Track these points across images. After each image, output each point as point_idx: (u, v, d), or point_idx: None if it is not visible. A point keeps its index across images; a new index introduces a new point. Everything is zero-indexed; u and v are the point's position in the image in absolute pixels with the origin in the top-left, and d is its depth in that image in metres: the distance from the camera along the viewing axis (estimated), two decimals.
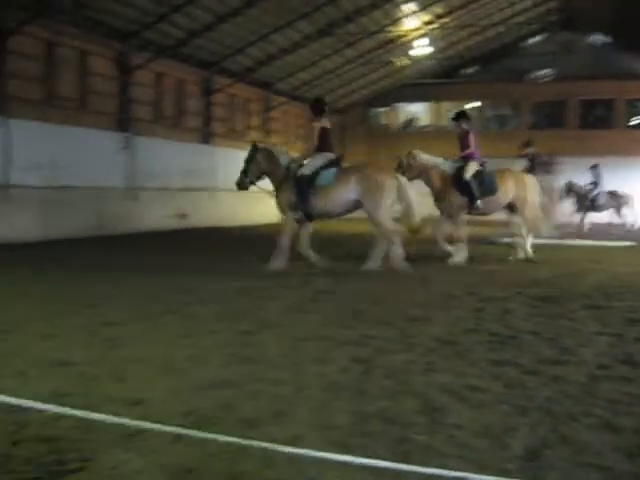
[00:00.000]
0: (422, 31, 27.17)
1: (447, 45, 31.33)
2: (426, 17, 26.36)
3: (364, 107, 36.48)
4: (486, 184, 12.14)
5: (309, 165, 10.59)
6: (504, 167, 13.03)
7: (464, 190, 12.10)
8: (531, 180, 12.92)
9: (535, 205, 12.72)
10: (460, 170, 12.14)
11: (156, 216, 19.87)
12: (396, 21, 25.70)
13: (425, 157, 12.46)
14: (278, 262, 10.67)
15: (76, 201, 17.21)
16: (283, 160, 10.89)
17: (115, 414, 3.92)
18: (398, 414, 4.04)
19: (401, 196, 10.54)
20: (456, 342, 5.97)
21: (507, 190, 12.36)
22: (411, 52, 29.14)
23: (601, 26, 32.68)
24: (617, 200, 22.34)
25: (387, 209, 10.48)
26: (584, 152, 30.88)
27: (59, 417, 3.91)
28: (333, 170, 10.52)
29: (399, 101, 36.40)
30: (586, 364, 5.26)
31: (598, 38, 33.96)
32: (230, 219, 23.25)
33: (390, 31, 26.31)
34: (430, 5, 25.43)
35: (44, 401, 4.12)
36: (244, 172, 11.27)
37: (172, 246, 15.03)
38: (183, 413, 4.00)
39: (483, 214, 12.65)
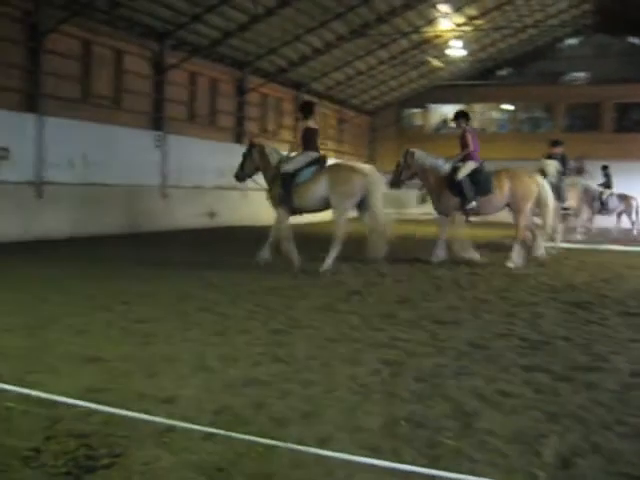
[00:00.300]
0: (455, 33, 27.02)
1: (480, 47, 31.12)
2: (459, 19, 26.21)
3: (397, 108, 36.37)
4: (481, 184, 12.03)
5: (292, 163, 10.99)
6: (505, 167, 12.79)
7: (456, 190, 12.07)
8: (533, 181, 12.45)
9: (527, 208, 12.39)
10: (456, 170, 12.12)
11: (187, 214, 19.99)
12: (429, 22, 25.58)
13: (423, 156, 12.49)
14: (264, 253, 11.23)
15: (109, 198, 17.38)
16: (273, 158, 11.37)
17: (146, 411, 3.95)
18: (428, 418, 4.03)
19: (368, 194, 10.62)
20: (487, 346, 5.93)
21: (504, 191, 12.14)
22: (444, 54, 28.99)
23: (636, 28, 32.23)
24: (627, 203, 22.06)
25: (346, 206, 10.74)
26: (619, 155, 30.50)
27: (91, 413, 3.94)
28: (313, 169, 10.87)
29: (431, 102, 36.23)
30: (619, 372, 5.19)
31: (634, 40, 33.52)
32: (262, 218, 23.29)
33: (423, 32, 26.21)
34: (464, 7, 25.27)
35: (76, 397, 4.17)
36: (241, 166, 11.95)
37: (203, 245, 15.11)
38: (214, 411, 4.02)
39: (479, 215, 12.59)
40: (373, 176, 10.69)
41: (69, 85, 16.82)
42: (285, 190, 10.81)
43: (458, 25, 26.53)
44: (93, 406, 4.02)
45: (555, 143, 16.41)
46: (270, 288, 8.94)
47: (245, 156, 11.88)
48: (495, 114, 37.38)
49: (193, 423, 3.77)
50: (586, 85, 34.59)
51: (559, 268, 12.41)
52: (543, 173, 13.94)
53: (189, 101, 21.64)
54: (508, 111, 36.03)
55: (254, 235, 18.53)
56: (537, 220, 13.08)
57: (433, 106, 36.81)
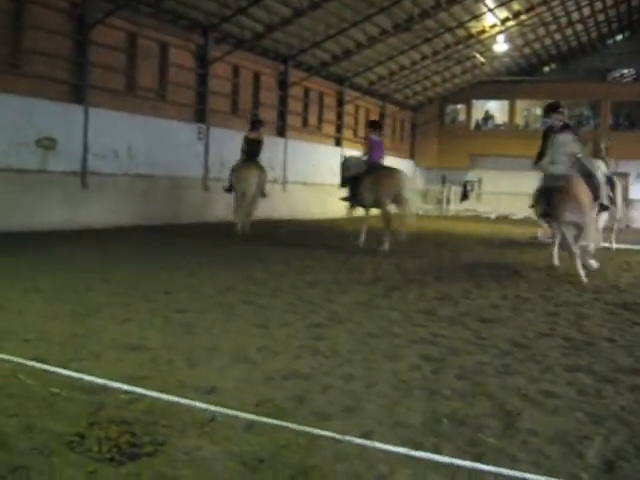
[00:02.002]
0: (500, 28, 26.72)
1: (525, 42, 30.73)
2: (504, 14, 25.90)
3: (439, 104, 36.13)
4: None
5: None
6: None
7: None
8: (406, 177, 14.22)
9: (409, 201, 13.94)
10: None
11: (228, 207, 20.10)
12: (474, 17, 25.32)
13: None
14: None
15: (152, 190, 17.58)
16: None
17: (188, 400, 3.99)
18: (470, 416, 3.99)
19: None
20: (530, 346, 5.87)
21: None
22: (488, 49, 28.71)
23: None
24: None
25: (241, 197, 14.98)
26: None
27: (134, 400, 3.99)
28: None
29: (475, 98, 35.91)
30: None
31: None
32: (303, 212, 23.42)
33: (468, 27, 25.97)
34: (509, 1, 24.96)
35: (119, 384, 4.22)
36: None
37: (243, 237, 15.18)
38: (255, 403, 4.03)
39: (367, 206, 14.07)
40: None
41: (114, 77, 17.02)
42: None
43: (503, 21, 26.23)
44: (137, 393, 4.07)
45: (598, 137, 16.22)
46: (311, 282, 8.96)
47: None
48: (539, 111, 36.92)
49: (234, 414, 3.79)
50: (633, 82, 33.99)
51: (603, 268, 12.21)
52: None
53: (232, 94, 21.74)
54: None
55: (292, 229, 18.67)
56: None
57: (476, 102, 36.49)
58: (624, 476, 3.29)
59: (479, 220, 30.94)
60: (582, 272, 10.02)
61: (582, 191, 9.93)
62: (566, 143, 9.96)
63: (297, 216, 22.75)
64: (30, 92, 14.39)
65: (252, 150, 15.47)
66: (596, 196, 10.38)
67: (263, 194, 15.74)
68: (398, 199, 13.41)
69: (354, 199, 13.91)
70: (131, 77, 17.64)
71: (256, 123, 16.28)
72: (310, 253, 12.56)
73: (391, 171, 13.90)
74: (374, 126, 14.69)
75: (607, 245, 14.43)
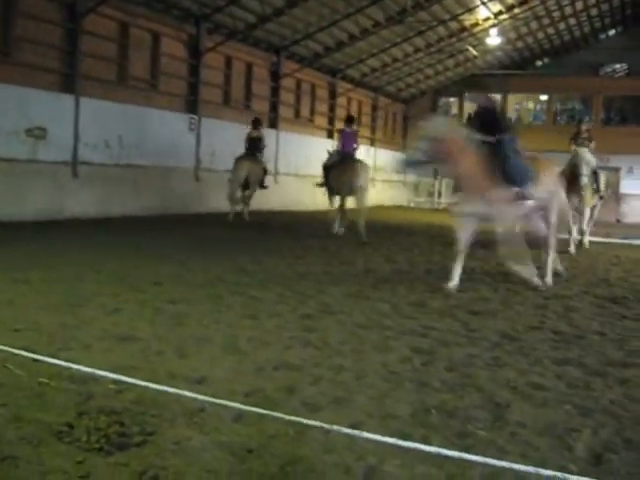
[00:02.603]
0: (493, 21, 26.70)
1: (518, 36, 30.71)
2: (498, 7, 25.87)
3: (432, 97, 36.09)
4: None
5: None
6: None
7: None
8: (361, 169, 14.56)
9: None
10: None
11: (220, 198, 20.07)
12: (467, 10, 25.28)
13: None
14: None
15: (143, 180, 17.50)
16: None
17: (177, 391, 3.98)
18: (459, 408, 4.01)
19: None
20: (519, 339, 5.89)
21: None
22: (481, 42, 28.69)
23: None
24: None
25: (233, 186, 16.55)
26: None
27: (123, 390, 3.98)
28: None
29: (467, 92, 35.89)
30: None
31: None
32: (294, 203, 23.38)
33: (461, 20, 25.94)
34: None
35: (109, 374, 4.21)
36: None
37: (234, 228, 15.16)
38: (244, 393, 4.04)
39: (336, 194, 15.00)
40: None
41: (106, 67, 16.93)
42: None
43: (496, 14, 26.21)
44: (125, 383, 4.06)
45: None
46: (301, 273, 8.96)
47: None
48: (531, 105, 36.98)
49: (224, 405, 3.79)
50: (625, 77, 34.05)
51: (593, 262, 12.27)
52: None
53: (224, 85, 21.67)
54: (544, 102, 35.58)
55: (284, 220, 18.66)
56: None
57: (469, 95, 36.47)
58: (612, 468, 3.30)
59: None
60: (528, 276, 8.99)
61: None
62: None
63: (289, 207, 22.71)
64: (21, 81, 14.29)
65: (252, 146, 17.42)
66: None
67: (262, 186, 17.46)
68: (354, 189, 14.32)
69: (326, 186, 15.24)
70: (123, 67, 17.54)
71: (256, 122, 18.05)
72: (301, 244, 12.55)
73: (351, 162, 14.71)
74: (348, 119, 16.18)
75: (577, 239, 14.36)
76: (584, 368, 5.02)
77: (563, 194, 9.93)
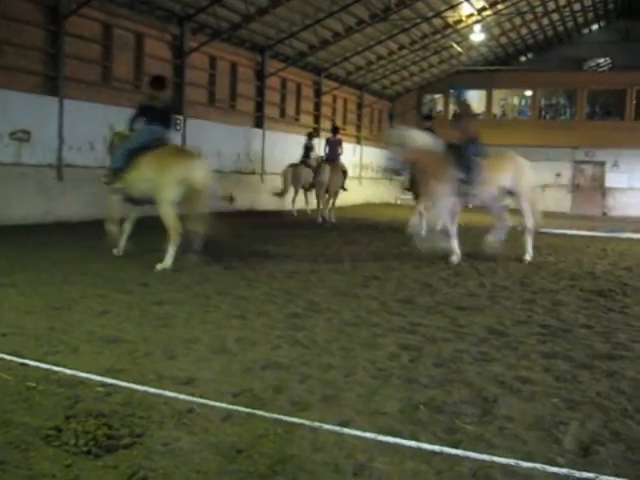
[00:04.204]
0: (477, 17, 26.76)
1: (501, 32, 30.80)
2: (481, 3, 25.92)
3: (418, 93, 36.15)
4: None
5: None
6: None
7: None
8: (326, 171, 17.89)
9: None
10: None
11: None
12: (451, 7, 25.33)
13: None
14: None
15: None
16: None
17: (166, 392, 3.97)
18: (448, 403, 4.02)
19: None
20: (507, 333, 5.91)
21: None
22: (465, 39, 28.75)
23: None
24: None
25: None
26: None
27: (111, 393, 3.97)
28: None
29: (452, 88, 35.95)
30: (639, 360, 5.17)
31: None
32: (281, 202, 23.34)
33: (445, 17, 25.99)
34: None
35: (96, 377, 4.20)
36: None
37: (221, 229, 15.09)
38: (233, 394, 4.04)
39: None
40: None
41: (90, 68, 16.83)
42: None
43: (480, 10, 26.27)
44: (113, 386, 4.05)
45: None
46: (288, 272, 8.95)
47: None
48: (516, 100, 37.10)
49: (212, 405, 3.78)
50: (609, 72, 34.22)
51: (580, 256, 12.34)
52: None
53: (209, 85, 21.61)
54: (529, 97, 35.70)
55: (272, 220, 18.63)
56: None
57: (452, 92, 36.55)
58: (600, 460, 3.32)
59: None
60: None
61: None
62: None
63: (276, 207, 22.67)
64: (3, 84, 14.18)
65: (306, 154, 20.52)
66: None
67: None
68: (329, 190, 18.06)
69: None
70: (106, 68, 17.44)
71: (311, 135, 21.30)
72: (288, 242, 12.55)
73: (325, 166, 18.09)
74: (333, 130, 19.47)
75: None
76: (571, 361, 5.05)
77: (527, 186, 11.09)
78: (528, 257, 11.01)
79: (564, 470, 3.16)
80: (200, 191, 9.15)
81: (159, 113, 9.54)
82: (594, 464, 3.27)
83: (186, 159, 9.27)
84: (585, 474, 3.13)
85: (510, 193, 11.02)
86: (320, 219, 17.76)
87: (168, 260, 8.74)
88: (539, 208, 11.89)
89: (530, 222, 11.12)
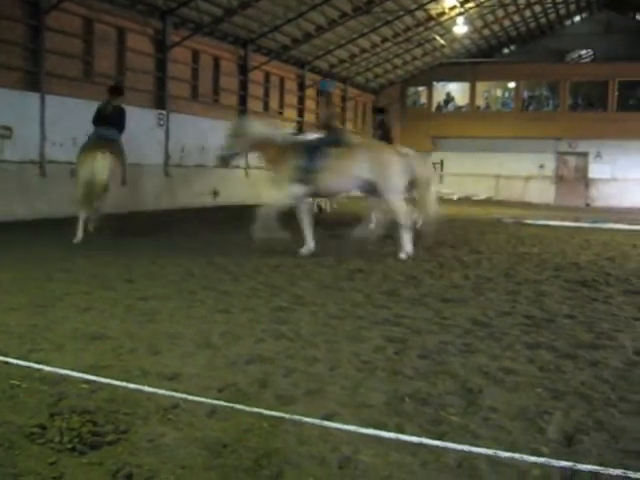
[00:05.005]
0: (459, 10, 26.81)
1: (484, 24, 30.88)
2: None
3: (401, 86, 36.18)
4: None
5: None
6: None
7: None
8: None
9: None
10: None
11: (190, 193, 19.98)
12: (433, 0, 25.36)
13: None
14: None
15: (111, 177, 17.29)
16: None
17: (151, 388, 3.96)
18: (432, 395, 4.03)
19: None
20: (491, 324, 5.94)
21: None
22: (448, 31, 28.79)
23: None
24: None
25: None
26: (623, 135, 30.48)
27: (95, 389, 3.95)
28: None
29: (436, 80, 36.03)
30: (623, 349, 5.21)
31: None
32: (266, 197, 23.28)
33: (427, 9, 26.01)
34: None
35: (81, 373, 4.18)
36: None
37: (206, 224, 15.09)
38: (218, 388, 4.03)
39: None
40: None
41: (71, 63, 16.73)
42: None
43: (462, 2, 26.31)
44: (98, 383, 4.03)
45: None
46: (274, 266, 8.95)
47: None
48: (499, 92, 37.22)
49: (197, 400, 3.78)
50: (591, 63, 34.40)
51: (563, 247, 12.41)
52: None
53: (192, 79, 21.53)
54: (512, 89, 35.82)
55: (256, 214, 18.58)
56: None
57: (437, 84, 36.61)
58: (583, 449, 3.34)
59: (441, 202, 31.08)
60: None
61: None
62: None
63: (261, 201, 22.63)
64: None
65: None
66: None
67: None
68: None
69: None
70: (88, 63, 17.34)
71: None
72: (273, 237, 12.50)
73: None
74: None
75: None
76: (555, 351, 5.08)
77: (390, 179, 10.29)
78: (403, 255, 10.13)
79: (547, 459, 3.18)
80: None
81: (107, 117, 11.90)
82: (578, 453, 3.29)
83: (86, 157, 11.51)
84: (565, 463, 3.15)
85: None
86: (316, 208, 17.31)
87: None
88: (432, 202, 11.48)
89: (402, 218, 10.19)
